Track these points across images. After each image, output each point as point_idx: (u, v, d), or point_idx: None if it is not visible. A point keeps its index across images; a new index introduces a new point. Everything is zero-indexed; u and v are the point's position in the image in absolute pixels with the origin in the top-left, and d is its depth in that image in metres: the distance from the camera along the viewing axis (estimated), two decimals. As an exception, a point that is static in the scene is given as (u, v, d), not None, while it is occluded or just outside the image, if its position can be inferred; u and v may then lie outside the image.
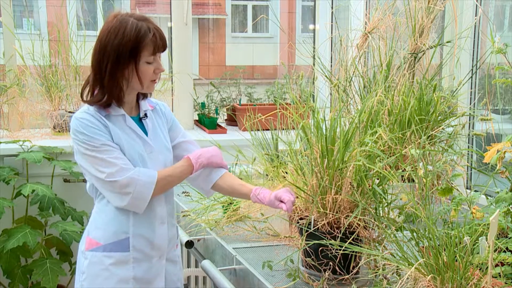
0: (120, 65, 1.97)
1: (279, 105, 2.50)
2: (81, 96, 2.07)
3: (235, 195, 2.21)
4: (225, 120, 4.30)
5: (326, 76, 2.84)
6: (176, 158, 2.17)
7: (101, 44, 1.99)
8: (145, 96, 2.15)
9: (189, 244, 2.42)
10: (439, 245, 1.55)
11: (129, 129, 2.05)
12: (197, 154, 2.10)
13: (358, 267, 1.90)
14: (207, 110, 4.16)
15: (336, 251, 1.84)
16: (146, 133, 2.09)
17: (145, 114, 2.12)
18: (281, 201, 2.00)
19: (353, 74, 2.78)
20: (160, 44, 2.00)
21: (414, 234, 1.64)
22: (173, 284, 2.19)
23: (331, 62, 3.85)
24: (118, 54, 1.96)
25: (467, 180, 2.56)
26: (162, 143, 2.12)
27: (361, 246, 1.82)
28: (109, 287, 2.05)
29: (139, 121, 2.11)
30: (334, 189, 1.89)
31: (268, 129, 2.63)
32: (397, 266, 1.65)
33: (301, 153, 2.08)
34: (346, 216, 1.89)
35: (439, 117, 2.41)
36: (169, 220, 2.14)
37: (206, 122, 4.02)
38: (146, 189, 1.99)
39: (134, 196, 1.99)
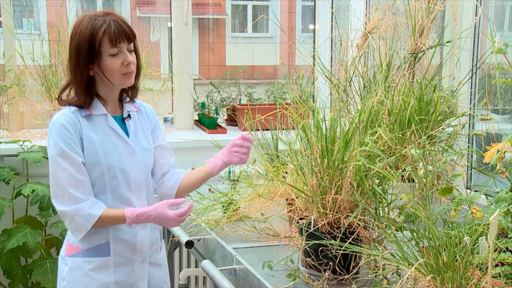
0: (82, 64, 1.95)
1: (279, 105, 2.50)
2: (58, 97, 2.06)
3: (200, 183, 2.20)
4: (225, 120, 4.30)
5: (326, 76, 2.84)
6: None
7: (69, 47, 2.00)
8: (131, 98, 2.13)
9: (189, 244, 2.42)
10: (439, 245, 1.55)
11: (110, 130, 2.03)
12: (135, 213, 1.98)
13: (358, 267, 1.90)
14: (207, 110, 4.16)
15: (336, 251, 1.84)
16: (127, 134, 2.07)
17: (129, 115, 2.10)
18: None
19: (353, 74, 2.78)
20: (117, 33, 1.93)
21: (414, 234, 1.64)
22: (158, 286, 2.18)
23: (331, 62, 3.85)
24: (78, 53, 1.95)
25: (467, 180, 2.56)
26: (143, 145, 2.10)
27: (361, 246, 1.82)
28: None
29: (122, 121, 2.09)
30: (334, 189, 1.89)
31: (268, 129, 2.63)
32: (397, 266, 1.65)
33: (301, 153, 2.08)
34: (346, 216, 1.89)
35: (439, 117, 2.41)
36: (151, 224, 2.11)
37: (206, 122, 4.02)
38: (78, 229, 1.97)
39: (68, 226, 2.01)
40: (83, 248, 2.03)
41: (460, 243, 1.53)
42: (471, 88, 2.84)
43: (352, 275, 1.89)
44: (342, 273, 1.89)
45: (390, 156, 1.98)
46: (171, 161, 2.23)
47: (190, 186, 2.20)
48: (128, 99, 2.12)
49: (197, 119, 4.21)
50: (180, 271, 3.27)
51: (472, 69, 2.81)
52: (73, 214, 1.95)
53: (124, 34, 1.96)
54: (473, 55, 2.87)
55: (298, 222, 1.97)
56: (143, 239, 2.09)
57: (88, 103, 2.01)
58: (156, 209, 1.98)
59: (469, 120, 2.73)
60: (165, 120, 4.09)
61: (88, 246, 2.03)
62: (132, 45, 2.00)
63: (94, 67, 1.97)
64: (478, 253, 1.58)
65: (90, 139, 1.98)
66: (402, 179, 2.29)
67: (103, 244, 2.03)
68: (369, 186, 1.88)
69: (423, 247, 1.61)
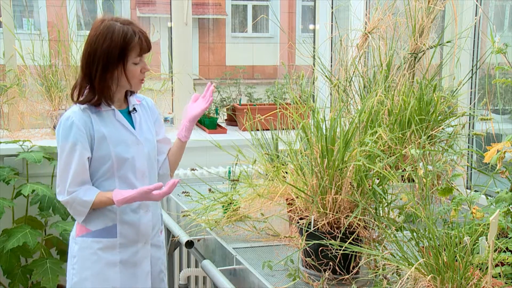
0: (109, 67, 2.13)
1: (279, 105, 2.50)
2: (72, 96, 2.21)
3: (178, 153, 2.45)
4: (225, 120, 4.30)
5: (326, 76, 2.84)
6: None
7: (91, 48, 2.14)
8: (132, 92, 2.30)
9: (189, 244, 2.42)
10: (439, 245, 1.55)
11: (117, 123, 2.22)
12: (121, 196, 2.16)
13: (358, 267, 1.90)
14: (207, 110, 4.15)
15: (336, 251, 1.84)
16: (133, 126, 2.26)
17: (134, 108, 2.28)
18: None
19: (353, 74, 2.78)
20: (145, 46, 2.16)
21: (414, 234, 1.64)
22: (158, 267, 2.38)
23: (331, 62, 3.86)
24: (108, 57, 2.12)
25: (467, 180, 2.56)
26: (147, 136, 2.29)
27: (361, 246, 1.82)
28: (97, 269, 2.22)
29: (128, 114, 2.27)
30: (334, 189, 1.89)
31: (268, 129, 2.63)
32: (397, 266, 1.65)
33: (301, 153, 2.08)
34: (346, 216, 1.89)
35: (439, 117, 2.41)
36: (153, 208, 2.31)
37: (206, 122, 4.02)
38: (80, 212, 2.19)
39: (70, 213, 2.22)
40: (92, 230, 2.23)
41: (460, 243, 1.53)
42: (471, 88, 2.84)
43: (352, 275, 1.89)
44: (342, 273, 1.89)
45: (390, 156, 1.97)
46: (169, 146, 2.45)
47: (174, 159, 2.43)
48: (130, 93, 2.30)
49: (197, 119, 4.21)
50: (180, 271, 3.27)
51: (472, 69, 2.81)
52: (70, 202, 2.16)
53: (148, 46, 2.18)
54: (473, 55, 2.87)
55: (298, 222, 1.97)
56: (146, 222, 2.28)
57: (110, 99, 2.19)
58: (140, 196, 2.15)
59: (469, 120, 2.73)
60: (165, 120, 4.09)
61: (97, 228, 2.22)
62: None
63: (117, 71, 2.15)
64: (478, 253, 1.58)
65: (100, 133, 2.17)
66: (402, 179, 2.29)
67: (111, 226, 2.23)
68: (369, 186, 1.88)
69: (423, 247, 1.61)
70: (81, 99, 2.17)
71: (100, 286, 2.22)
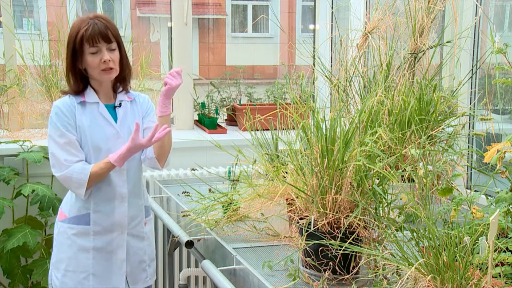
0: (71, 59, 2.33)
1: (279, 105, 2.50)
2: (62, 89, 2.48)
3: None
4: (225, 120, 4.30)
5: (326, 76, 2.84)
6: None
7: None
8: (124, 89, 2.44)
9: (189, 244, 2.42)
10: (439, 245, 1.55)
11: (100, 116, 2.38)
12: (115, 155, 2.31)
13: (358, 267, 1.90)
14: (207, 110, 4.16)
15: (336, 251, 1.84)
16: (116, 120, 2.40)
17: (120, 104, 2.42)
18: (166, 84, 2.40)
19: (353, 74, 2.78)
20: (95, 35, 2.27)
21: (414, 234, 1.64)
22: (138, 257, 2.50)
23: (331, 62, 3.85)
24: (69, 50, 2.33)
25: (467, 180, 2.56)
26: (129, 131, 2.39)
27: (361, 246, 1.82)
28: (71, 253, 2.39)
29: (113, 108, 2.42)
30: (334, 189, 1.89)
31: (268, 129, 2.63)
32: (397, 266, 1.65)
33: (301, 153, 2.08)
34: (346, 216, 1.89)
35: (439, 117, 2.41)
36: (131, 200, 2.44)
37: (206, 122, 4.02)
38: (80, 183, 2.30)
39: (71, 187, 2.35)
40: (68, 216, 2.41)
41: (460, 243, 1.53)
42: (471, 88, 2.84)
43: (352, 275, 1.89)
44: (342, 273, 1.89)
45: (390, 156, 1.97)
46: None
47: (159, 143, 2.41)
48: (120, 89, 2.44)
49: (197, 119, 4.21)
50: (180, 271, 3.27)
51: (472, 69, 2.81)
52: (69, 175, 2.30)
53: (101, 35, 2.28)
54: (473, 55, 2.87)
55: (298, 222, 1.97)
56: (121, 212, 2.41)
57: (80, 91, 2.37)
58: (133, 145, 2.26)
59: (469, 120, 2.72)
60: (165, 120, 4.09)
61: (72, 215, 2.39)
62: (113, 44, 2.32)
63: (80, 63, 2.33)
64: (478, 253, 1.58)
65: (81, 123, 2.35)
66: (402, 179, 2.29)
67: (85, 214, 2.38)
68: (369, 186, 1.88)
69: (423, 247, 1.61)
70: (64, 89, 2.42)
71: (74, 269, 2.39)
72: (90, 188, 2.36)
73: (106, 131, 2.37)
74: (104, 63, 2.30)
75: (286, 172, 2.22)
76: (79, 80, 2.36)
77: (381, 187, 1.87)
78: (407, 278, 1.58)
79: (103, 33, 2.29)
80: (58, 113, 2.33)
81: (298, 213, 1.99)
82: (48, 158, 3.38)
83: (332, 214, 1.89)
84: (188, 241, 2.41)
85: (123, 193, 2.41)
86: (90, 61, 2.30)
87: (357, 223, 1.86)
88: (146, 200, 2.55)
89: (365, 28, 2.85)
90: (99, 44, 2.28)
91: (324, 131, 1.94)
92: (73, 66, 2.34)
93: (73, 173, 2.30)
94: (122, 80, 2.43)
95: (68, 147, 2.32)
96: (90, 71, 2.34)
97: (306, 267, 1.96)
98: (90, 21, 2.30)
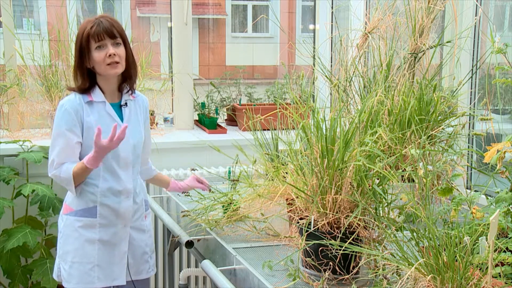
0: (79, 57, 2.39)
1: (279, 105, 2.50)
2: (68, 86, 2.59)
3: (160, 185, 2.83)
4: (225, 120, 4.30)
5: (326, 76, 2.83)
6: None
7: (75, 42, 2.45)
8: (130, 88, 2.49)
9: (189, 244, 2.42)
10: (439, 245, 1.55)
11: (107, 114, 2.43)
12: (88, 160, 2.32)
13: (358, 267, 1.90)
14: (207, 110, 4.16)
15: (336, 251, 1.84)
16: (122, 119, 2.46)
17: (126, 103, 2.48)
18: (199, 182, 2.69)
19: (353, 74, 2.78)
20: (100, 31, 2.35)
21: (414, 234, 1.64)
22: (140, 249, 2.57)
23: (331, 62, 3.85)
24: (76, 49, 2.41)
25: (467, 180, 2.56)
26: (135, 129, 2.49)
27: (361, 246, 1.82)
28: (77, 245, 2.45)
29: (119, 107, 2.48)
30: (334, 189, 1.89)
31: (268, 129, 2.63)
32: (397, 266, 1.65)
33: (301, 153, 2.08)
34: (346, 216, 1.89)
35: (439, 117, 2.41)
36: (135, 196, 2.52)
37: (206, 122, 4.02)
38: (67, 181, 2.39)
39: (63, 186, 2.43)
40: (75, 209, 2.46)
41: (460, 243, 1.53)
42: (471, 88, 2.84)
43: (352, 275, 1.89)
44: (342, 273, 1.89)
45: (390, 156, 1.97)
46: (147, 156, 2.68)
47: (155, 183, 2.82)
48: (126, 89, 2.49)
49: (197, 119, 4.21)
50: (180, 271, 3.27)
51: (472, 69, 2.81)
52: (57, 173, 2.39)
53: (106, 32, 2.36)
54: (473, 55, 2.87)
55: (298, 222, 1.97)
56: (126, 207, 2.48)
57: (86, 89, 2.41)
58: (98, 149, 2.28)
59: (469, 120, 2.72)
60: (165, 120, 4.09)
61: (79, 208, 2.45)
62: (117, 39, 2.38)
63: (88, 61, 2.38)
64: (478, 253, 1.58)
65: (89, 122, 2.39)
66: (402, 179, 2.29)
67: (92, 207, 2.45)
68: (369, 186, 1.88)
69: (423, 247, 1.61)
70: (71, 86, 2.47)
71: (80, 260, 2.45)
72: (79, 186, 2.42)
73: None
74: (110, 57, 2.35)
75: (286, 172, 2.22)
76: (86, 79, 2.41)
77: (381, 187, 1.87)
78: (407, 278, 1.58)
79: (108, 30, 2.36)
80: (64, 114, 2.38)
81: (298, 213, 1.99)
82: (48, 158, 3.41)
83: (332, 214, 1.89)
84: (188, 241, 2.41)
85: (129, 189, 2.48)
86: (96, 56, 2.35)
87: (357, 223, 1.86)
88: (145, 194, 2.63)
89: (365, 28, 2.85)
90: (104, 39, 2.35)
91: (324, 131, 1.94)
92: (80, 64, 2.39)
93: (60, 172, 2.38)
94: (128, 78, 2.47)
95: (67, 148, 2.38)
96: (96, 67, 2.38)
97: (306, 267, 1.96)
98: (96, 20, 2.37)
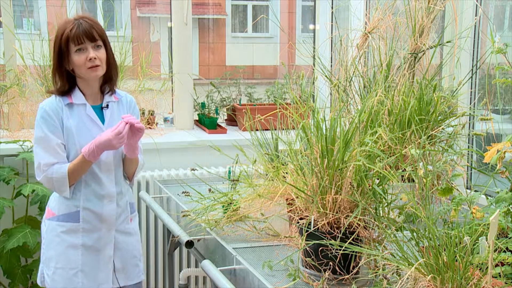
0: (58, 60, 2.35)
1: (279, 105, 2.50)
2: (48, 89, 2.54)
3: (126, 163, 2.53)
4: (225, 120, 4.30)
5: (326, 76, 2.83)
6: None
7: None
8: (110, 89, 2.46)
9: (189, 244, 2.42)
10: (439, 245, 1.55)
11: (87, 117, 2.41)
12: (86, 147, 2.33)
13: (358, 267, 1.90)
14: (207, 110, 4.15)
15: (336, 251, 1.84)
16: (103, 122, 2.43)
17: (107, 105, 2.45)
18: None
19: (353, 74, 2.78)
20: (79, 34, 2.30)
21: (414, 234, 1.64)
22: (128, 252, 2.54)
23: (331, 62, 3.85)
24: (54, 51, 2.36)
25: (467, 180, 2.56)
26: None
27: (361, 246, 1.82)
28: (60, 250, 2.42)
29: (101, 110, 2.45)
30: (334, 189, 1.89)
31: (268, 129, 2.63)
32: (397, 266, 1.65)
33: (301, 153, 2.08)
34: (346, 216, 1.89)
35: (439, 117, 2.41)
36: (118, 200, 2.48)
37: (206, 122, 4.02)
38: (61, 182, 2.35)
39: (55, 188, 2.39)
40: (57, 214, 2.43)
41: (460, 243, 1.53)
42: (471, 88, 2.84)
43: (352, 275, 1.89)
44: (342, 273, 1.89)
45: (390, 156, 1.97)
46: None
47: (127, 161, 2.52)
48: (107, 89, 2.46)
49: (197, 119, 4.21)
50: (180, 271, 3.27)
51: (472, 69, 2.81)
52: (49, 175, 2.35)
53: (86, 34, 2.31)
54: (473, 55, 2.87)
55: (298, 222, 1.97)
56: (109, 211, 2.45)
57: (66, 91, 2.39)
58: (98, 138, 2.31)
59: (469, 120, 2.72)
60: (165, 120, 4.09)
61: (62, 213, 2.42)
62: (98, 42, 2.34)
63: (67, 63, 2.35)
64: (478, 253, 1.58)
65: (68, 125, 2.37)
66: (402, 179, 2.29)
67: (74, 212, 2.42)
68: (369, 186, 1.88)
69: (423, 247, 1.61)
70: (50, 89, 2.45)
71: (63, 266, 2.42)
72: (73, 186, 2.40)
73: (93, 133, 2.39)
74: (90, 61, 2.32)
75: (286, 172, 2.22)
76: (66, 81, 2.39)
77: (381, 187, 1.87)
78: (407, 278, 1.58)
79: (88, 32, 2.32)
80: (44, 116, 2.37)
81: (298, 213, 1.99)
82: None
83: (332, 214, 1.89)
84: (188, 241, 2.41)
85: (112, 192, 2.45)
86: (76, 60, 2.32)
87: (357, 223, 1.86)
88: (130, 197, 2.59)
89: (365, 28, 2.85)
90: (84, 43, 2.31)
91: (324, 131, 1.93)
92: (59, 66, 2.36)
93: (52, 173, 2.35)
94: (109, 80, 2.45)
95: (51, 150, 2.35)
96: (76, 70, 2.36)
97: (306, 267, 1.96)
98: (75, 21, 2.33)
